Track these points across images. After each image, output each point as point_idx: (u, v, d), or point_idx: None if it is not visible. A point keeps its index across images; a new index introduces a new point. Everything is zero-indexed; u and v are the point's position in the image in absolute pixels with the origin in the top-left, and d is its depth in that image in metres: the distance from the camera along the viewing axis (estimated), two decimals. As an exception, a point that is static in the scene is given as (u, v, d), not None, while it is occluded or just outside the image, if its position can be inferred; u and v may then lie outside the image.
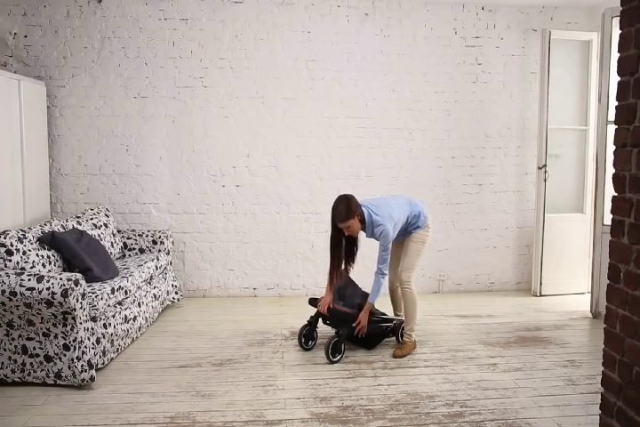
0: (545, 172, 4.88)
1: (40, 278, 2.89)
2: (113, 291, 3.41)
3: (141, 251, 4.50)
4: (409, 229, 3.59)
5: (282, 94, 4.86)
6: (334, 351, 3.39)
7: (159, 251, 4.50)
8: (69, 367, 2.97)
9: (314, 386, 3.07)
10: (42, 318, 2.96)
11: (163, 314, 4.39)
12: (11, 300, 2.87)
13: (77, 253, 3.55)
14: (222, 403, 2.85)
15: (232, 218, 4.93)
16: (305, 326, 3.62)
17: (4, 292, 2.86)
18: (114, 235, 4.39)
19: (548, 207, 4.94)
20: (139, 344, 3.73)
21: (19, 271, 2.99)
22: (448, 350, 3.62)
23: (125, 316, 3.56)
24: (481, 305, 4.73)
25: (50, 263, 3.41)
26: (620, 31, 1.97)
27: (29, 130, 4.22)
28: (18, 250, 3.18)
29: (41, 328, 3.00)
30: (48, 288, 2.85)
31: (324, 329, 3.73)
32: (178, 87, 4.77)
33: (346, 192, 3.55)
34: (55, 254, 3.50)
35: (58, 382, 3.00)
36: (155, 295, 4.14)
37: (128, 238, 4.53)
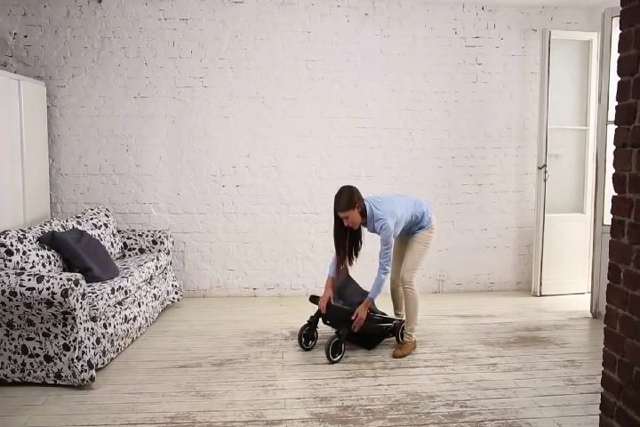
0: (545, 172, 4.88)
1: (40, 278, 2.89)
2: (113, 291, 3.41)
3: (141, 251, 4.50)
4: (412, 229, 3.58)
5: (282, 94, 4.86)
6: (334, 351, 3.39)
7: (159, 251, 4.50)
8: (69, 367, 2.97)
9: (314, 386, 3.07)
10: (42, 318, 2.96)
11: (163, 314, 4.39)
12: (11, 300, 2.87)
13: (77, 253, 3.55)
14: (222, 403, 2.85)
15: (232, 218, 4.93)
16: (305, 325, 3.62)
17: (3, 292, 2.86)
18: (114, 235, 4.39)
19: (548, 207, 4.94)
20: (139, 344, 3.73)
21: (19, 271, 2.99)
22: (448, 350, 3.62)
23: (125, 316, 3.56)
24: (481, 305, 4.73)
25: (50, 263, 3.41)
26: (620, 31, 1.97)
27: (29, 130, 4.22)
28: (18, 250, 3.18)
29: (41, 328, 3.00)
30: (48, 288, 2.85)
31: (324, 329, 3.73)
32: (178, 87, 4.78)
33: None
34: (55, 254, 3.50)
35: (58, 382, 3.00)
36: (155, 295, 4.14)
37: (128, 238, 4.53)
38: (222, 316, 4.40)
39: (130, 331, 3.60)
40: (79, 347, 2.99)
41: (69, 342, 2.99)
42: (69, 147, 4.76)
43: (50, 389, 3.00)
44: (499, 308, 4.65)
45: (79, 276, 2.99)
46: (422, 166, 5.06)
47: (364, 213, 3.38)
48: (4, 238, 3.15)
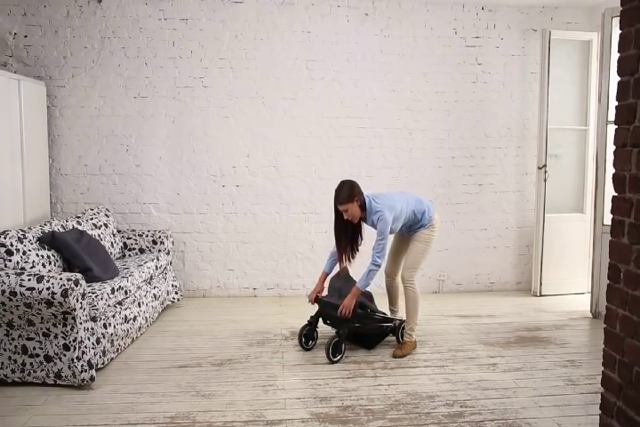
0: (545, 172, 4.88)
1: (40, 278, 2.89)
2: (113, 291, 3.41)
3: (141, 251, 4.50)
4: (413, 227, 3.59)
5: (282, 94, 4.86)
6: (335, 351, 3.39)
7: (159, 251, 4.50)
8: (69, 367, 2.97)
9: (314, 386, 3.07)
10: (42, 318, 2.96)
11: (163, 314, 4.39)
12: (11, 300, 2.87)
13: (77, 253, 3.55)
14: (222, 403, 2.85)
15: (232, 218, 4.93)
16: (305, 325, 3.62)
17: (3, 292, 2.86)
18: (114, 235, 4.39)
19: (548, 207, 4.94)
20: (139, 344, 3.73)
21: (19, 271, 2.99)
22: (448, 350, 3.62)
23: (125, 316, 3.56)
24: (481, 305, 4.73)
25: (50, 263, 3.41)
26: (620, 31, 1.97)
27: (29, 130, 4.22)
28: (18, 250, 3.18)
29: (41, 328, 3.00)
30: (48, 288, 2.85)
31: (324, 329, 3.73)
32: (178, 87, 4.78)
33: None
34: (55, 254, 3.50)
35: (58, 382, 3.00)
36: (155, 295, 4.14)
37: (128, 238, 4.53)
38: (222, 316, 4.40)
39: (130, 331, 3.60)
40: (79, 347, 2.99)
41: (69, 342, 2.99)
42: (69, 147, 4.76)
43: (50, 389, 3.00)
44: (499, 308, 4.65)
45: (79, 276, 2.99)
46: (422, 166, 5.06)
47: (363, 206, 3.41)
48: (4, 238, 3.15)
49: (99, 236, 4.12)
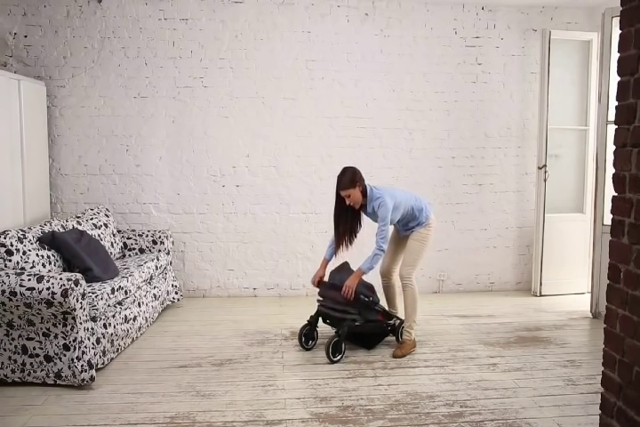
0: (545, 172, 4.88)
1: (40, 278, 2.89)
2: (113, 291, 3.41)
3: (141, 251, 4.50)
4: (410, 224, 3.61)
5: (282, 94, 4.86)
6: (335, 351, 3.39)
7: (159, 251, 4.50)
8: (69, 367, 2.97)
9: (314, 386, 3.07)
10: (42, 318, 2.96)
11: (163, 314, 4.39)
12: (11, 300, 2.87)
13: (77, 253, 3.55)
14: (222, 403, 2.85)
15: (232, 218, 4.93)
16: (305, 325, 3.62)
17: (4, 292, 2.86)
18: (114, 235, 4.39)
19: (548, 207, 4.94)
20: (139, 344, 3.73)
21: (19, 271, 2.99)
22: (448, 350, 3.62)
23: (125, 316, 3.56)
24: (481, 305, 4.73)
25: (50, 263, 3.41)
26: (620, 31, 1.97)
27: (29, 130, 4.22)
28: (18, 250, 3.18)
29: (41, 328, 3.00)
30: (48, 288, 2.85)
31: (324, 329, 3.73)
32: (178, 87, 4.77)
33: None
34: (55, 254, 3.50)
35: (58, 382, 3.00)
36: (155, 295, 4.14)
37: (128, 238, 4.53)
38: (222, 316, 4.40)
39: (130, 331, 3.60)
40: (79, 347, 2.99)
41: (69, 342, 2.99)
42: (69, 147, 4.76)
43: (50, 389, 3.00)
44: (499, 308, 4.65)
45: (79, 276, 2.99)
46: (422, 166, 5.06)
47: (364, 193, 3.47)
48: (4, 238, 3.15)
49: (99, 236, 4.12)
